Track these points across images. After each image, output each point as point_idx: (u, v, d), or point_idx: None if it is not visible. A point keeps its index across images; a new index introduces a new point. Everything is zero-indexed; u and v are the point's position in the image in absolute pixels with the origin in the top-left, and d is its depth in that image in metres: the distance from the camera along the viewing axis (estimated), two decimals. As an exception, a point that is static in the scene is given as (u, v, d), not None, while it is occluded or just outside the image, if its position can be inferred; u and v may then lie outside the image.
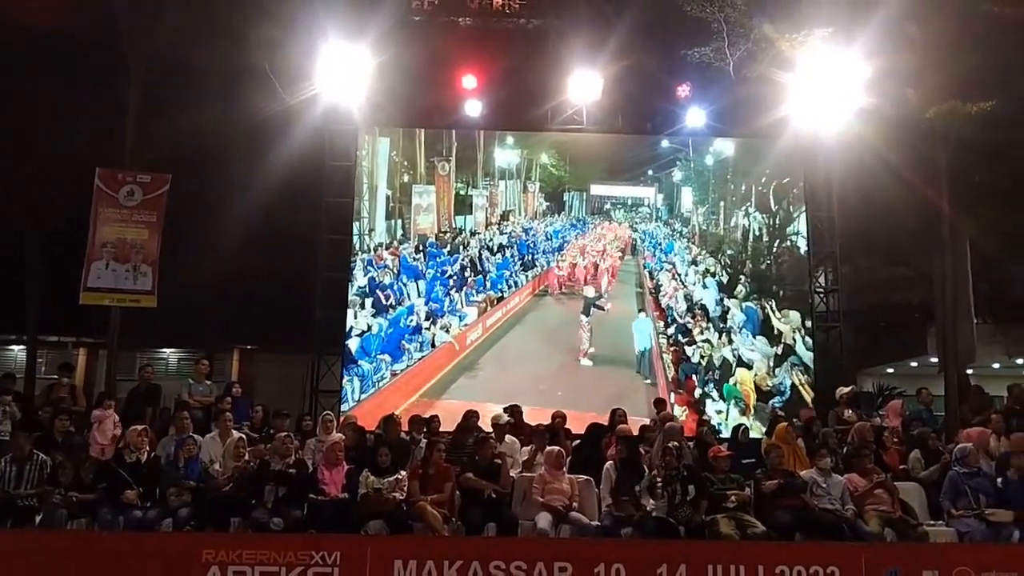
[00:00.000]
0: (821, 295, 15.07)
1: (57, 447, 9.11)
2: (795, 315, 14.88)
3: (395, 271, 14.87)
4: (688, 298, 15.28)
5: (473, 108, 14.96)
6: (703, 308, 15.06)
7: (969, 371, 15.62)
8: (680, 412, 13.64)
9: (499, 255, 15.57)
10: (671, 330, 15.02)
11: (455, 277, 15.11)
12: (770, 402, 14.30)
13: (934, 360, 16.84)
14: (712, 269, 15.50)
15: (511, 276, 15.49)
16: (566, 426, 10.90)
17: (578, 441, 10.28)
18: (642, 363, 14.67)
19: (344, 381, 14.04)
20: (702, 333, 14.85)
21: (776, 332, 14.83)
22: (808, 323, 14.82)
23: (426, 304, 14.79)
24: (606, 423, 10.46)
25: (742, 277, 15.33)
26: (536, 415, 11.27)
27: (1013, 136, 14.31)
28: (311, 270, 14.65)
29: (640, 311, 15.22)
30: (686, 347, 14.79)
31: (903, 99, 13.96)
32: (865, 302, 19.05)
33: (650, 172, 16.22)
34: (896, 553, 7.62)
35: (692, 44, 14.83)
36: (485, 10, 15.18)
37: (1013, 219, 15.33)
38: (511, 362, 14.72)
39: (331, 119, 14.62)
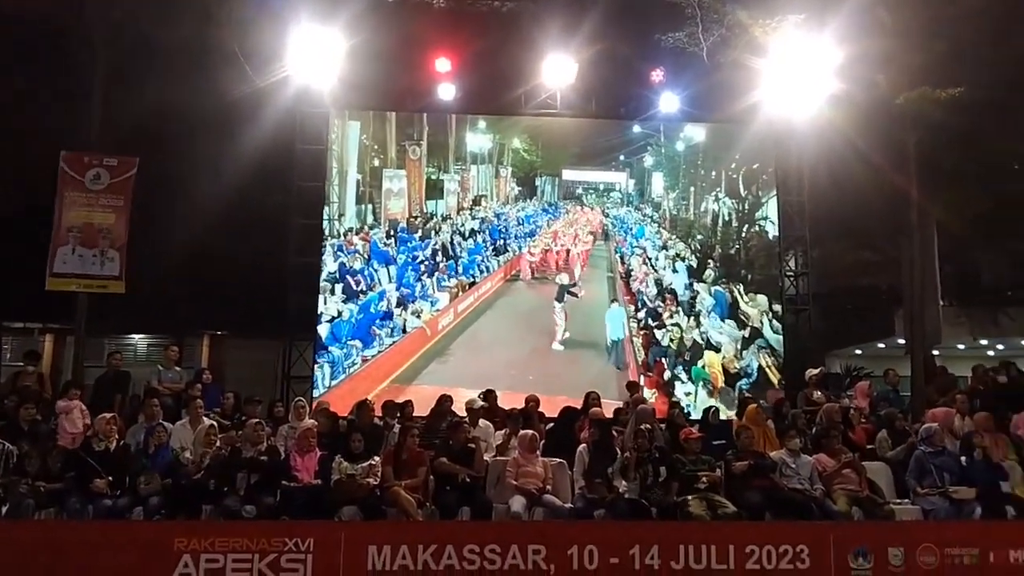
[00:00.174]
0: (791, 278, 15.23)
1: (23, 436, 8.96)
2: (762, 299, 15.07)
3: (365, 256, 14.75)
4: (658, 283, 15.37)
5: (447, 92, 14.85)
6: (673, 292, 15.17)
7: (935, 352, 15.87)
8: (650, 394, 13.74)
9: (471, 240, 15.51)
10: (641, 314, 15.11)
11: (426, 262, 15.02)
12: (737, 384, 14.49)
13: (901, 342, 17.11)
14: (682, 254, 15.60)
15: (483, 261, 15.45)
16: (539, 410, 10.95)
17: (551, 425, 10.32)
18: (614, 353, 14.70)
19: (314, 367, 13.97)
20: (672, 317, 14.97)
21: (744, 315, 14.99)
22: (776, 307, 15.00)
23: (397, 290, 14.69)
24: (579, 407, 10.51)
25: (711, 262, 15.46)
26: (509, 399, 11.32)
27: (980, 122, 14.51)
28: (282, 255, 14.48)
29: (612, 301, 15.25)
30: (656, 331, 14.90)
31: (873, 84, 14.07)
32: (834, 285, 19.29)
33: (622, 157, 16.23)
34: (863, 531, 7.79)
35: (666, 29, 14.80)
36: (459, -8, 15.09)
37: (980, 203, 15.57)
38: (483, 347, 14.69)
39: (302, 101, 14.44)
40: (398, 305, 14.59)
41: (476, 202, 15.80)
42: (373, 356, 14.26)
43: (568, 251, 15.67)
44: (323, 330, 14.15)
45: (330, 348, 14.08)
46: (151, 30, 14.73)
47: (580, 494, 8.59)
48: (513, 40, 14.96)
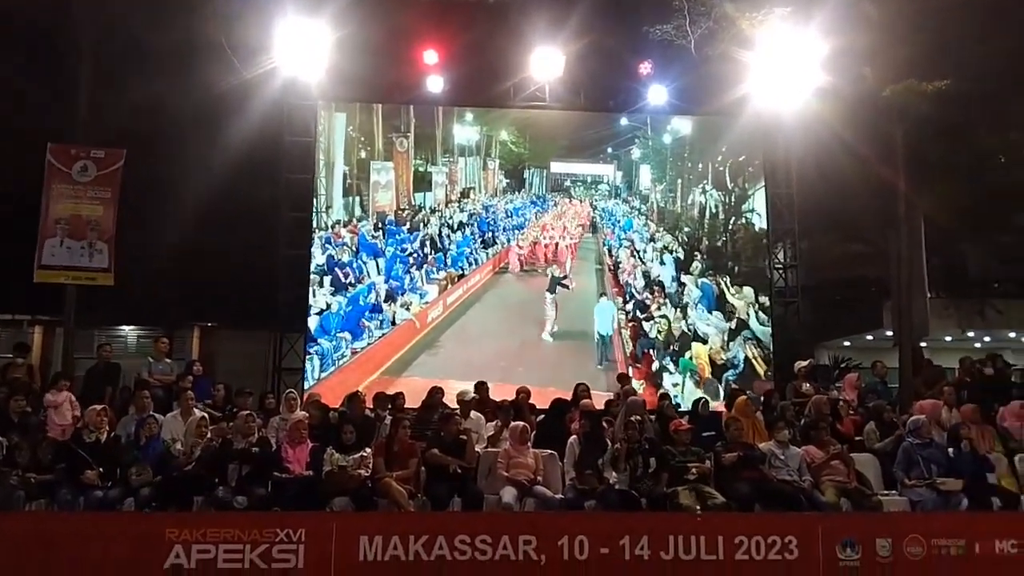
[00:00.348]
0: (780, 271, 15.32)
1: (13, 428, 8.94)
2: (749, 291, 15.19)
3: (354, 249, 14.72)
4: (646, 275, 15.45)
5: (435, 84, 14.84)
6: (660, 284, 15.26)
7: (923, 344, 16.00)
8: (638, 385, 13.81)
9: (459, 233, 15.50)
10: (629, 306, 15.19)
11: (415, 255, 15.02)
12: (724, 375, 14.62)
13: (889, 333, 17.24)
14: (670, 246, 15.68)
15: (471, 253, 15.47)
16: (530, 401, 10.99)
17: (542, 416, 10.36)
18: (602, 349, 14.74)
19: (305, 359, 13.95)
20: (660, 309, 15.05)
21: (730, 307, 15.08)
22: (762, 298, 15.11)
23: (386, 282, 14.69)
24: (569, 399, 10.55)
25: (697, 254, 15.55)
26: (498, 391, 11.33)
27: (966, 114, 14.62)
28: (272, 247, 14.47)
29: (601, 295, 15.29)
30: (644, 323, 14.99)
31: (860, 77, 14.15)
32: (823, 277, 19.42)
33: (609, 150, 16.28)
34: (851, 522, 7.83)
35: (654, 22, 14.85)
36: (446, -17, 15.07)
37: (967, 195, 15.69)
38: (472, 339, 14.72)
39: (290, 94, 14.41)
40: (387, 298, 14.57)
41: (464, 194, 15.80)
42: (362, 348, 14.26)
43: (556, 244, 15.70)
44: (312, 323, 14.13)
45: (319, 340, 14.06)
46: (138, 24, 14.65)
47: (570, 485, 8.61)
48: (501, 32, 14.96)
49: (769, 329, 14.96)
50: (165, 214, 16.57)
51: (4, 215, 15.96)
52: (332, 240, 14.66)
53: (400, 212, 15.24)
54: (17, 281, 13.99)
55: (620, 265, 15.61)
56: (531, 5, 15.09)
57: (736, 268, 15.49)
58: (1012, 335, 20.02)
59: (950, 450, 8.95)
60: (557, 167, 16.28)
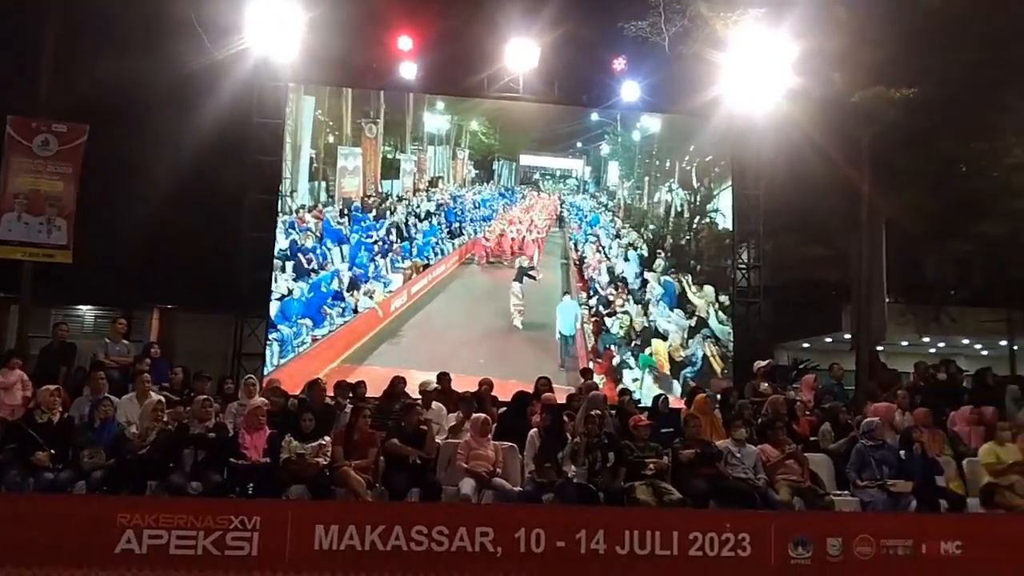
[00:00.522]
0: (743, 271, 15.46)
1: (-38, 406, 8.75)
2: (709, 290, 15.38)
3: (318, 235, 14.57)
4: (611, 271, 15.54)
5: (408, 71, 14.75)
6: (624, 281, 15.34)
7: (879, 348, 16.25)
8: (598, 380, 13.88)
9: (426, 222, 15.44)
10: (593, 301, 15.27)
11: (380, 243, 14.93)
12: (682, 372, 14.78)
13: (847, 337, 17.49)
14: (635, 243, 15.76)
15: (438, 244, 15.42)
16: (492, 393, 11.00)
17: (504, 409, 10.37)
18: (564, 348, 14.76)
19: (266, 345, 13.81)
20: (623, 305, 15.12)
21: (691, 306, 15.22)
22: (722, 298, 15.28)
23: (350, 269, 14.58)
24: (531, 391, 10.58)
25: (660, 252, 15.65)
26: (460, 382, 11.33)
27: (932, 121, 14.84)
28: (236, 229, 14.30)
29: (565, 293, 15.31)
30: (606, 318, 15.07)
31: (829, 81, 14.31)
32: (785, 278, 19.63)
33: (579, 144, 16.33)
34: (804, 521, 7.95)
35: (629, 17, 14.92)
36: (420, -33, 14.98)
37: (930, 202, 15.93)
38: (435, 330, 14.70)
39: (260, 75, 14.24)
40: (350, 285, 14.46)
41: (432, 183, 15.74)
42: (324, 335, 14.15)
43: (523, 238, 15.69)
44: (273, 308, 13.99)
45: (279, 326, 13.94)
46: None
47: (530, 478, 8.64)
48: (476, 21, 14.96)
49: (728, 328, 15.13)
50: (128, 192, 16.31)
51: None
52: (296, 225, 14.51)
53: (367, 199, 15.14)
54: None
55: (585, 260, 15.67)
56: (507, -6, 15.07)
57: (698, 267, 15.66)
58: (966, 342, 20.43)
59: (902, 452, 9.10)
60: (526, 160, 16.30)
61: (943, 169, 16.25)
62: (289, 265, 14.23)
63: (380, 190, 15.28)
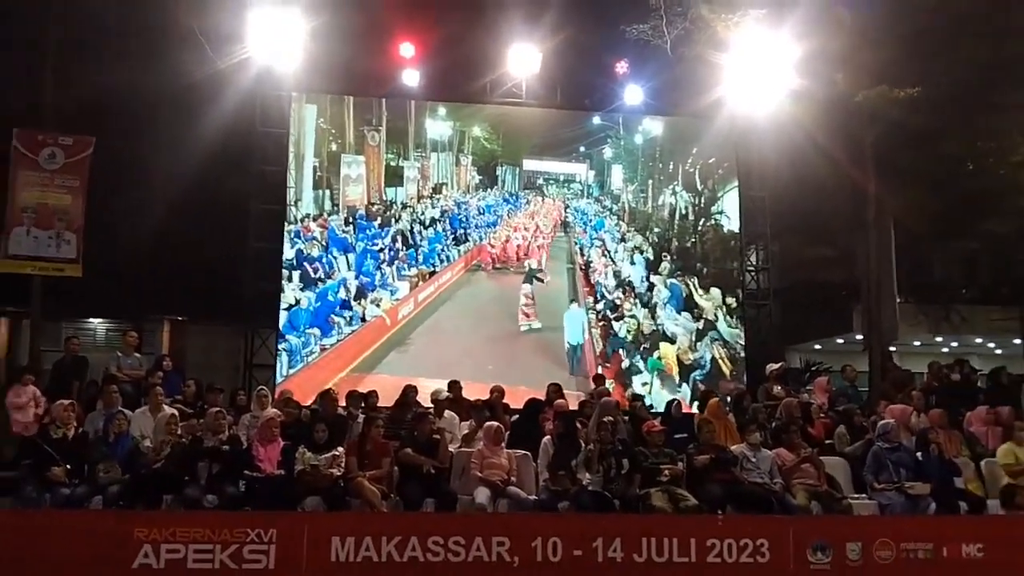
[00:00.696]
0: (752, 273, 15.42)
1: (-24, 422, 8.75)
2: (716, 292, 15.35)
3: (323, 243, 14.57)
4: (617, 275, 15.52)
5: (411, 78, 14.74)
6: (630, 284, 15.32)
7: (892, 348, 16.18)
8: (608, 384, 13.81)
9: (431, 229, 15.43)
10: (600, 305, 15.25)
11: (386, 250, 14.91)
12: (691, 375, 14.74)
13: (859, 337, 17.42)
14: (640, 246, 15.75)
15: (443, 250, 15.40)
16: (504, 401, 10.96)
17: (516, 416, 10.34)
18: (573, 359, 14.71)
19: (277, 355, 13.80)
20: (630, 309, 15.10)
21: (698, 308, 15.19)
22: (729, 300, 15.25)
23: (356, 278, 14.56)
24: (540, 397, 10.54)
25: (666, 255, 15.64)
26: (469, 389, 11.29)
27: (936, 121, 14.81)
28: (241, 239, 14.29)
29: (572, 301, 15.26)
30: (614, 322, 15.04)
31: (832, 82, 14.29)
32: (794, 279, 19.58)
33: (582, 148, 16.31)
34: (822, 526, 7.93)
35: (630, 20, 14.90)
36: (421, -26, 15.00)
37: (936, 201, 15.90)
38: (443, 337, 14.68)
39: (263, 83, 14.24)
40: (357, 294, 14.44)
41: (436, 190, 15.73)
42: (332, 345, 14.13)
43: (529, 244, 15.68)
44: (281, 318, 13.98)
45: (288, 337, 13.92)
46: (107, 7, 14.38)
47: (544, 486, 8.61)
48: (478, 27, 14.96)
49: (736, 331, 15.10)
50: (134, 203, 16.27)
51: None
52: (301, 234, 14.51)
53: (371, 207, 15.12)
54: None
55: (591, 265, 15.66)
56: (509, 0, 15.06)
57: (705, 269, 15.63)
58: (979, 341, 20.34)
59: (918, 454, 9.07)
60: (530, 165, 16.27)
61: (948, 168, 16.21)
62: (296, 275, 14.23)
63: (384, 198, 15.27)
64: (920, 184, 15.75)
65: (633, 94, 15.27)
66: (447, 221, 15.57)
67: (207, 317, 17.95)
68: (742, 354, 15.01)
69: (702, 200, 15.98)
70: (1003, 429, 10.01)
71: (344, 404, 10.17)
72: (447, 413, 10.06)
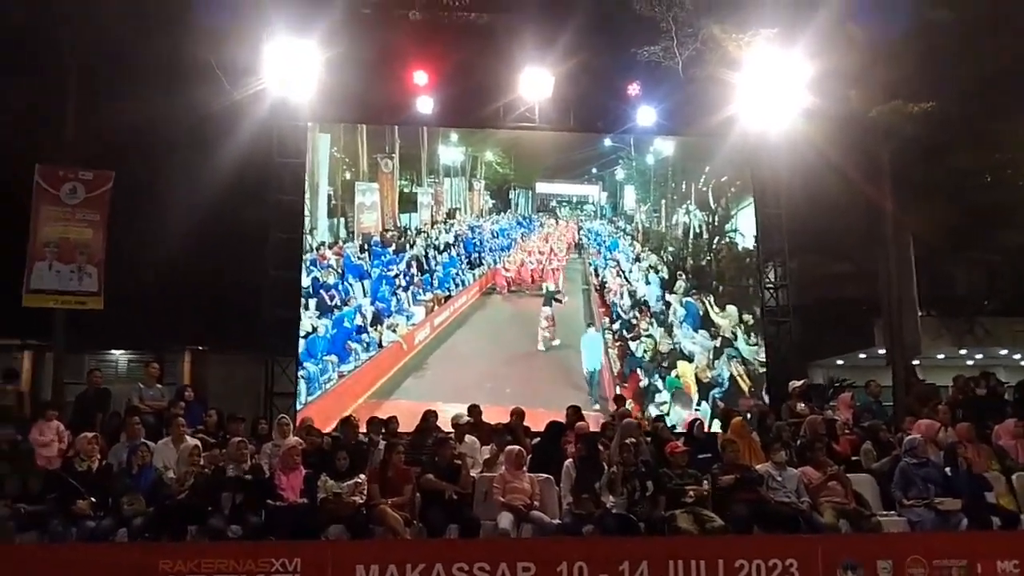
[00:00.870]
0: (770, 290, 15.35)
1: (2, 457, 8.79)
2: (732, 310, 15.28)
3: (339, 271, 14.63)
4: (632, 295, 15.48)
5: (424, 105, 14.84)
6: (646, 304, 15.27)
7: (916, 362, 16.03)
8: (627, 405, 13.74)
9: (445, 254, 15.48)
10: (616, 325, 15.21)
11: (401, 276, 14.96)
12: (710, 393, 14.64)
13: (882, 351, 17.29)
14: (655, 266, 15.71)
15: (458, 275, 15.44)
16: (524, 424, 10.93)
17: (537, 440, 10.28)
18: (592, 385, 14.64)
19: (297, 383, 13.82)
20: (647, 328, 15.06)
21: (715, 327, 15.12)
22: (746, 317, 15.16)
23: (372, 304, 14.61)
24: (558, 419, 10.48)
25: (681, 273, 15.60)
26: (487, 412, 11.30)
27: (951, 135, 14.77)
28: (259, 268, 14.37)
29: (589, 325, 15.21)
30: (631, 342, 14.99)
31: (845, 98, 14.29)
32: (813, 296, 19.46)
33: (594, 170, 16.35)
34: (851, 544, 7.83)
35: (641, 43, 14.95)
36: (433, 3, 15.10)
37: (953, 215, 15.82)
38: (460, 361, 14.67)
39: (279, 114, 14.35)
40: (373, 320, 14.47)
41: (450, 215, 15.79)
42: (349, 371, 14.15)
43: (543, 267, 15.70)
44: (299, 345, 14.00)
45: (306, 364, 13.94)
46: (126, 42, 14.60)
47: (568, 510, 8.55)
48: (490, 53, 15.04)
49: (756, 348, 14.97)
50: (154, 235, 16.44)
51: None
52: (317, 262, 14.58)
53: (386, 233, 15.19)
54: (5, 305, 13.81)
55: (606, 285, 15.65)
56: (519, 25, 15.21)
57: (720, 287, 15.56)
58: (1004, 352, 20.12)
59: (947, 469, 8.95)
60: (542, 187, 16.33)
61: (965, 180, 16.15)
62: (312, 302, 14.29)
63: (398, 224, 15.35)
64: (937, 198, 15.68)
65: (645, 115, 15.30)
66: (461, 245, 15.62)
67: (227, 346, 18.07)
68: (761, 370, 14.88)
69: (716, 218, 15.96)
70: (1033, 441, 9.87)
71: (365, 430, 10.16)
72: (468, 438, 10.04)
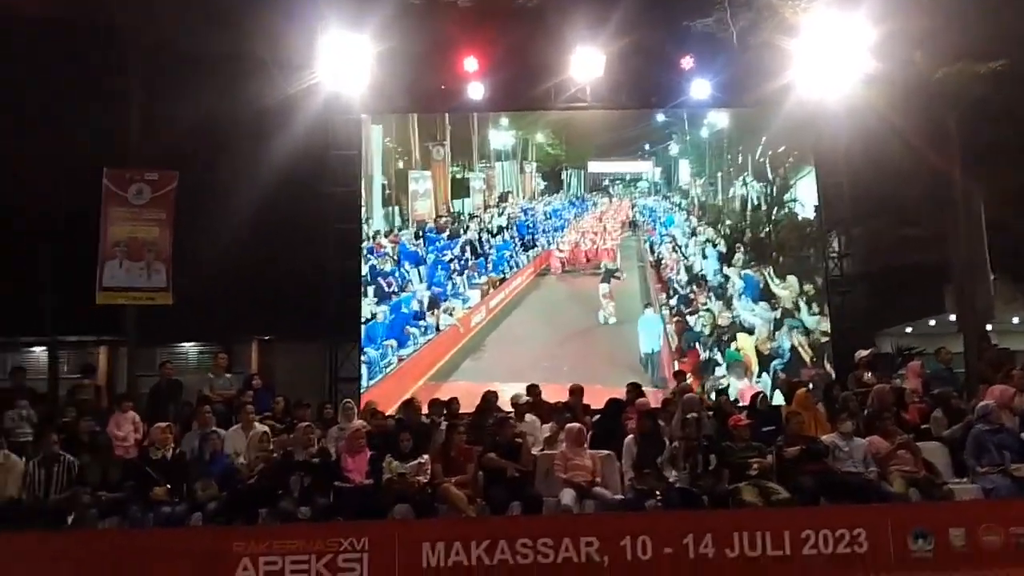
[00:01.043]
0: (834, 259, 15.00)
1: (83, 447, 9.16)
2: (793, 280, 14.91)
3: (395, 258, 14.81)
4: (688, 269, 15.31)
5: (476, 91, 14.83)
6: (703, 278, 15.09)
7: (989, 328, 15.53)
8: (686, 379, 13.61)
9: (499, 237, 15.51)
10: (673, 301, 15.07)
11: (456, 261, 15.07)
12: (772, 364, 14.40)
13: (952, 318, 16.80)
14: (713, 239, 15.49)
15: (512, 257, 15.46)
16: (583, 401, 10.93)
17: (598, 417, 10.30)
18: (649, 366, 14.50)
19: (360, 368, 14.08)
20: (705, 303, 14.90)
21: (775, 298, 14.85)
22: (807, 287, 14.81)
23: (428, 289, 14.77)
24: (615, 396, 10.45)
25: (739, 246, 15.33)
26: (546, 391, 11.32)
27: (1021, 93, 14.19)
28: (319, 259, 14.64)
29: (647, 306, 15.05)
30: (688, 317, 14.84)
31: (910, 62, 13.82)
32: (879, 264, 18.95)
33: (647, 147, 16.12)
34: (922, 512, 7.68)
35: (694, 15, 14.71)
36: (483, -11, 15.13)
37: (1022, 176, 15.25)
38: (516, 342, 14.72)
39: (333, 108, 14.52)
40: (430, 304, 14.64)
41: (502, 199, 15.82)
42: (408, 355, 14.34)
43: (597, 247, 15.63)
44: (361, 331, 14.25)
45: (366, 349, 14.18)
46: (184, 42, 14.97)
47: (630, 485, 8.57)
48: (540, 35, 14.96)
49: (818, 318, 14.65)
50: (218, 230, 16.85)
51: (61, 235, 16.48)
52: (374, 251, 14.79)
53: (439, 219, 15.31)
54: (81, 305, 14.36)
55: (662, 261, 15.49)
56: (569, 6, 15.08)
57: (780, 258, 15.21)
58: (1081, 315, 19.35)
59: (1022, 435, 8.67)
60: (595, 166, 16.18)
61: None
62: (371, 290, 14.51)
63: (451, 210, 15.44)
64: (1006, 158, 15.10)
65: (700, 88, 14.99)
66: (514, 228, 15.64)
67: (291, 335, 18.48)
68: (823, 340, 14.57)
69: (774, 189, 15.62)
70: (1113, 405, 9.47)
71: (426, 412, 10.30)
72: (528, 416, 10.10)
